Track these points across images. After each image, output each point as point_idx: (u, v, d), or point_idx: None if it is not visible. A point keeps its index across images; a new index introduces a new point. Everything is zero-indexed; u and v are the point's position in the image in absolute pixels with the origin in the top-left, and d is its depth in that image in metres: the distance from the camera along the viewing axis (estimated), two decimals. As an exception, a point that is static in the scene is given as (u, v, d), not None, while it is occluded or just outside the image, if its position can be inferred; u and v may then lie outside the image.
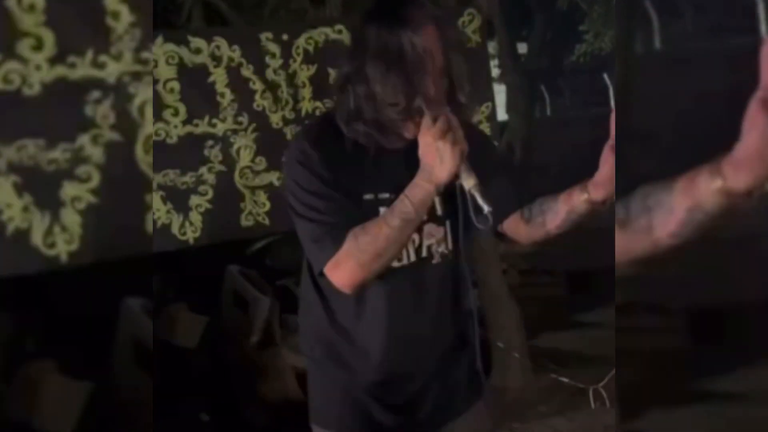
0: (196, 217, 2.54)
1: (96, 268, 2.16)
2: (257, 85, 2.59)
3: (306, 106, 2.64)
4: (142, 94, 2.13)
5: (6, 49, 2.00)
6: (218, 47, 2.55)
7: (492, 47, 7.60)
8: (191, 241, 2.55)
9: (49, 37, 2.04)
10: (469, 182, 1.27)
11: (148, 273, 2.32)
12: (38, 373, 2.43)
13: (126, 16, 2.09)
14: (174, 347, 3.22)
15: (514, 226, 1.48)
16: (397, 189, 1.31)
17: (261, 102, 2.59)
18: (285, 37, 2.62)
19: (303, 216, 1.34)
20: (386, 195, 1.35)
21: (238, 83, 2.57)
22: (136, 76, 2.12)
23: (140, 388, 2.43)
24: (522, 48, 10.60)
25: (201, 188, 2.55)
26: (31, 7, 2.01)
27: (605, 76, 12.31)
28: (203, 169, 2.55)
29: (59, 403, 2.37)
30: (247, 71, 2.58)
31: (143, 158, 2.15)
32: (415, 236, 1.39)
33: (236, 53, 2.57)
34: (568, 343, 4.20)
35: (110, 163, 2.12)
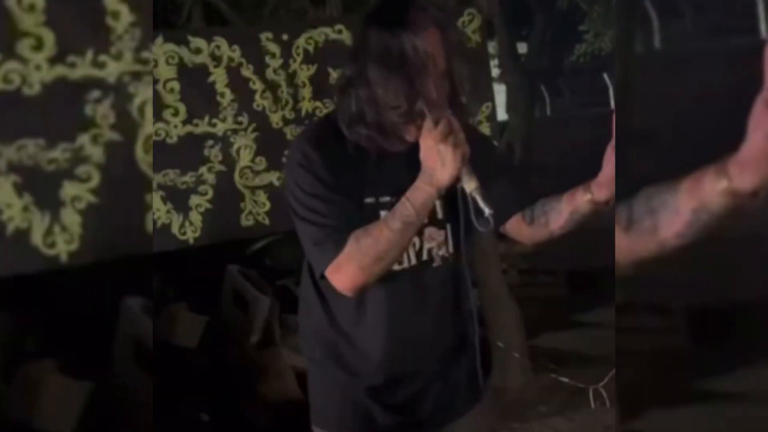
0: (196, 217, 2.54)
1: (96, 268, 2.16)
2: (257, 85, 2.59)
3: (306, 106, 2.64)
4: (142, 93, 2.13)
5: (6, 49, 2.00)
6: (218, 47, 2.55)
7: (492, 47, 7.60)
8: (191, 241, 2.55)
9: (49, 37, 2.04)
10: (470, 185, 1.27)
11: (148, 273, 2.33)
12: (38, 373, 2.43)
13: (126, 15, 2.10)
14: (174, 347, 3.21)
15: (517, 227, 1.49)
16: (399, 192, 1.31)
17: (261, 102, 2.60)
18: (285, 37, 2.62)
19: (304, 219, 1.34)
20: (387, 198, 1.35)
21: (238, 83, 2.57)
22: (136, 76, 2.12)
23: (140, 388, 2.43)
24: (522, 48, 10.59)
25: (201, 188, 2.55)
26: (31, 7, 2.01)
27: (605, 76, 12.31)
28: (203, 169, 2.55)
29: (59, 403, 2.36)
30: (247, 71, 2.58)
31: (143, 158, 2.15)
32: (416, 239, 1.39)
33: (236, 53, 2.57)
34: (568, 343, 4.20)
35: (110, 163, 2.12)
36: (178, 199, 2.53)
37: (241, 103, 2.57)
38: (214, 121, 2.55)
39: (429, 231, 1.41)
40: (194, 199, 2.54)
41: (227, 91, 2.56)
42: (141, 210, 2.14)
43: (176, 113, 2.51)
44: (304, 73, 2.63)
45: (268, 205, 2.61)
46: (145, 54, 2.14)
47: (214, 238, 2.59)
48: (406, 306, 1.42)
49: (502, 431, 3.15)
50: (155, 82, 2.45)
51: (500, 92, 8.41)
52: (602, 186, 1.27)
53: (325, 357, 1.48)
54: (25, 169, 2.04)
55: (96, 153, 2.11)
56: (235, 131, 2.57)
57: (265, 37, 2.60)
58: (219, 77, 2.55)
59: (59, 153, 2.07)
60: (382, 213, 1.34)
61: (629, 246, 0.94)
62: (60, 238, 2.10)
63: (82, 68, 2.08)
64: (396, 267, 1.37)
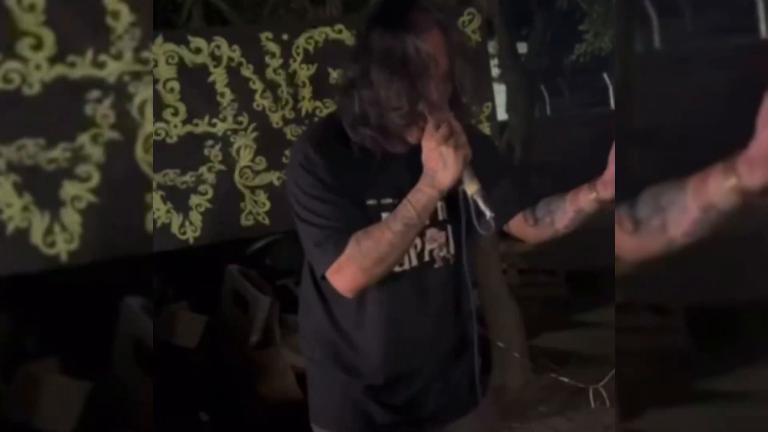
0: (196, 216, 2.54)
1: (96, 267, 2.16)
2: (257, 85, 2.59)
3: (306, 105, 2.64)
4: (142, 93, 2.13)
5: (6, 48, 2.00)
6: (218, 47, 2.55)
7: (492, 47, 7.60)
8: (191, 240, 2.55)
9: (49, 37, 2.04)
10: (471, 188, 1.27)
11: (148, 272, 2.32)
12: (38, 373, 2.43)
13: (126, 15, 2.09)
14: (174, 347, 3.21)
15: (520, 227, 1.49)
16: (400, 194, 1.31)
17: (261, 102, 2.59)
18: (285, 36, 2.61)
19: (305, 220, 1.34)
20: (389, 200, 1.35)
21: (238, 83, 2.57)
22: (136, 76, 2.12)
23: (140, 388, 2.43)
24: (522, 48, 10.58)
25: (201, 188, 2.55)
26: (31, 7, 2.01)
27: (605, 76, 12.32)
28: (203, 169, 2.55)
29: (59, 403, 2.36)
30: (247, 71, 2.58)
31: (143, 158, 2.15)
32: (417, 241, 1.38)
33: (236, 53, 2.57)
34: (568, 343, 4.20)
35: (110, 163, 2.12)
36: (178, 198, 2.53)
37: (241, 103, 2.57)
38: (214, 120, 2.55)
39: (430, 232, 1.41)
40: (194, 199, 2.54)
41: (227, 91, 2.56)
42: (141, 210, 2.14)
43: (176, 113, 2.51)
44: (304, 72, 2.63)
45: (268, 205, 2.60)
46: (145, 54, 2.13)
47: (214, 238, 2.59)
48: (407, 307, 1.42)
49: (502, 431, 3.15)
50: (155, 81, 2.45)
51: (500, 92, 8.41)
52: (608, 184, 1.28)
53: (325, 357, 1.48)
54: (25, 168, 2.04)
55: (96, 153, 2.11)
56: (235, 131, 2.57)
57: (265, 36, 2.60)
58: (219, 77, 2.55)
59: (59, 153, 2.07)
60: (384, 215, 1.34)
61: (638, 245, 0.94)
62: (60, 237, 2.10)
63: (82, 68, 2.08)
64: (397, 268, 1.37)
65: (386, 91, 1.27)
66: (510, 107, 9.00)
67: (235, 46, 2.56)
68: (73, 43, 2.07)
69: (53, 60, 2.05)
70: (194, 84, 2.53)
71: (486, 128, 2.82)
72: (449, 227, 1.43)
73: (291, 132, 2.61)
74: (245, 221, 2.60)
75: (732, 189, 0.80)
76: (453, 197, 1.35)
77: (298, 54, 2.62)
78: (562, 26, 10.84)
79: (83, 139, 2.09)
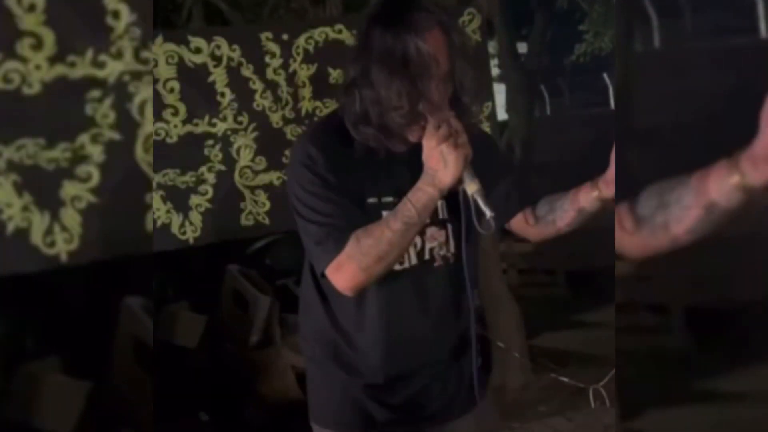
0: (196, 216, 2.54)
1: (96, 267, 2.16)
2: (257, 85, 2.59)
3: (306, 105, 2.64)
4: (142, 93, 2.13)
5: (6, 48, 2.00)
6: (218, 47, 2.55)
7: (492, 47, 7.59)
8: (191, 240, 2.55)
9: (49, 37, 2.03)
10: (471, 187, 1.27)
11: (148, 272, 2.32)
12: (38, 372, 2.43)
13: (126, 15, 2.09)
14: (174, 347, 3.22)
15: (522, 225, 1.50)
16: (401, 193, 1.31)
17: (261, 102, 2.59)
18: (285, 36, 2.61)
19: (306, 218, 1.34)
20: (389, 199, 1.35)
21: (238, 83, 2.57)
22: (136, 76, 2.12)
23: (140, 388, 2.43)
24: (522, 48, 10.58)
25: (201, 188, 2.55)
26: (31, 7, 2.01)
27: (605, 75, 12.31)
28: (203, 169, 2.55)
29: (59, 402, 2.37)
30: (247, 71, 2.58)
31: (143, 158, 2.15)
32: (417, 239, 1.39)
33: (236, 53, 2.57)
34: (568, 343, 4.21)
35: (110, 163, 2.12)
36: (178, 198, 2.53)
37: (241, 103, 2.57)
38: (214, 120, 2.55)
39: (430, 231, 1.41)
40: (194, 199, 2.54)
41: (227, 91, 2.56)
42: (141, 210, 2.14)
43: (176, 113, 2.51)
44: (304, 72, 2.63)
45: (268, 205, 2.60)
46: (145, 54, 2.13)
47: (214, 238, 2.59)
48: (407, 306, 1.42)
49: (502, 431, 3.15)
50: (155, 81, 2.45)
51: (500, 92, 8.42)
52: (610, 183, 1.28)
53: (325, 356, 1.48)
54: (25, 168, 2.04)
55: (96, 152, 2.10)
56: (235, 131, 2.57)
57: (265, 36, 2.60)
58: (219, 77, 2.55)
59: (59, 152, 2.07)
60: (384, 213, 1.34)
61: (640, 242, 0.94)
62: (60, 237, 2.10)
63: (82, 68, 2.08)
64: (397, 267, 1.37)
65: (387, 90, 1.27)
66: (510, 107, 9.01)
67: (235, 46, 2.56)
68: (73, 43, 2.07)
69: (53, 60, 2.05)
70: (194, 84, 2.52)
71: (486, 128, 2.82)
72: (449, 226, 1.43)
73: (291, 132, 2.61)
74: (245, 221, 2.60)
75: (735, 186, 0.80)
76: (453, 196, 1.35)
77: (298, 54, 2.62)
78: (562, 26, 10.83)
79: (83, 139, 2.09)
